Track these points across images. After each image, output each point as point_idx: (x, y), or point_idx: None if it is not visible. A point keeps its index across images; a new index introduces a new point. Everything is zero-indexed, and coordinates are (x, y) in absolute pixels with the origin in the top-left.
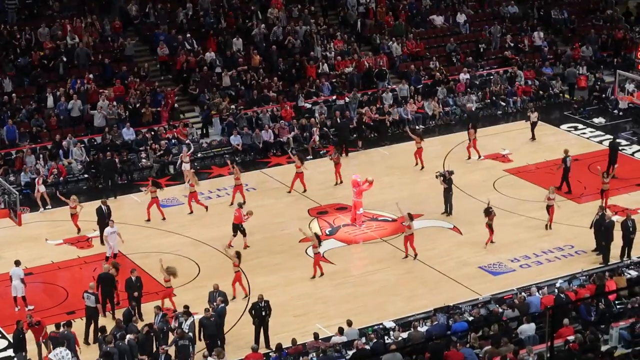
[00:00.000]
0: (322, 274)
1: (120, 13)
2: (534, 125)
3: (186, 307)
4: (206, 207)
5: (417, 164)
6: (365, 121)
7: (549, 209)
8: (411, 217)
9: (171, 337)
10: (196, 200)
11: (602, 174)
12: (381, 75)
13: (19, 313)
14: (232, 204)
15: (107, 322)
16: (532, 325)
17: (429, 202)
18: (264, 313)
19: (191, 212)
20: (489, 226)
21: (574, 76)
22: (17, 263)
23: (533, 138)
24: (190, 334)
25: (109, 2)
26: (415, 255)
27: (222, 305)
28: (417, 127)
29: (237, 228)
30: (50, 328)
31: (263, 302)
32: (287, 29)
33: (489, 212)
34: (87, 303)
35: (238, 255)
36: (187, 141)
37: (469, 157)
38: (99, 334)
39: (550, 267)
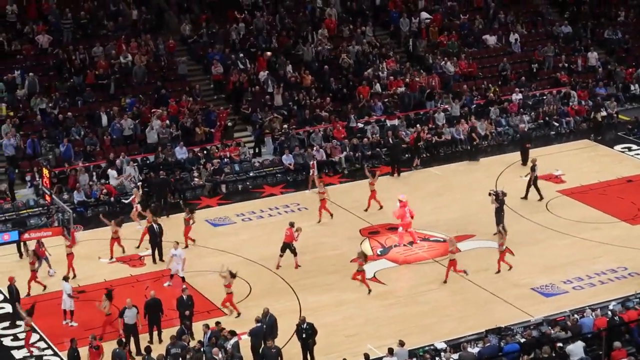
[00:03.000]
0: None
1: (173, 32)
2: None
3: (232, 331)
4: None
5: (367, 208)
6: (422, 139)
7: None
8: (452, 242)
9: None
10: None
11: None
12: (431, 97)
13: (73, 331)
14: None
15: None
16: (579, 344)
17: (480, 222)
18: (304, 335)
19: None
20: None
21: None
22: (66, 279)
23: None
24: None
25: (162, 22)
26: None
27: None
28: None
29: (287, 247)
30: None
31: (305, 324)
32: (340, 49)
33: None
34: (126, 321)
35: (232, 275)
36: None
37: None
38: (144, 353)
39: (603, 289)
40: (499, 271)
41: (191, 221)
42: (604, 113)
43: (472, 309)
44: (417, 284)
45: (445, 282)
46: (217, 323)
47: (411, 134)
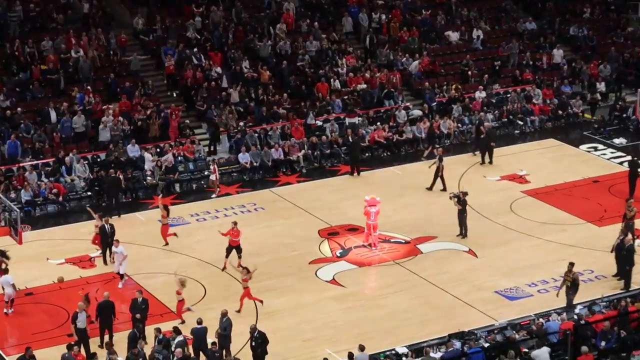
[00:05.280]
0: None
1: (126, 27)
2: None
3: (176, 327)
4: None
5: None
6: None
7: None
8: (247, 270)
9: None
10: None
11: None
12: (389, 95)
13: (29, 338)
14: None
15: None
16: (545, 349)
17: (443, 223)
18: (253, 344)
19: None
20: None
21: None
22: (6, 271)
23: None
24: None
25: (114, 16)
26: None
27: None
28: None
29: (233, 248)
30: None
31: (256, 333)
32: (297, 44)
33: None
34: (78, 325)
35: (182, 284)
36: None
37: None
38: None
39: None
40: (239, 311)
41: (168, 220)
42: (488, 123)
43: (435, 312)
44: (377, 287)
45: (239, 311)
46: (175, 328)
47: (371, 132)
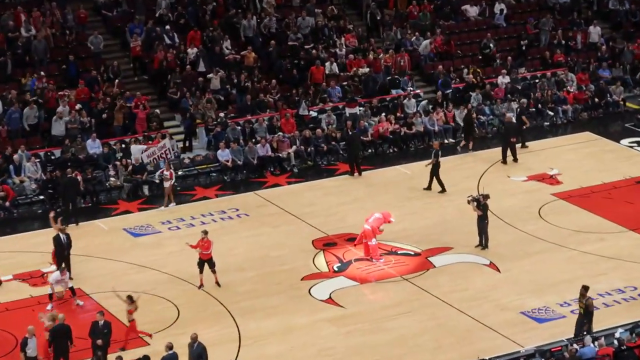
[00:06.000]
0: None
1: (85, 0)
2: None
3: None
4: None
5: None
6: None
7: None
8: (131, 298)
9: None
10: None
11: None
12: (394, 83)
13: None
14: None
15: None
16: None
17: (459, 232)
18: None
19: None
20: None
21: None
22: None
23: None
24: None
25: None
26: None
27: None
28: None
29: (205, 262)
30: None
31: (196, 345)
32: (287, 21)
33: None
34: (29, 353)
35: (131, 299)
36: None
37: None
38: None
39: (608, 312)
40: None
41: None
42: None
43: (449, 337)
44: (382, 307)
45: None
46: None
47: (375, 124)
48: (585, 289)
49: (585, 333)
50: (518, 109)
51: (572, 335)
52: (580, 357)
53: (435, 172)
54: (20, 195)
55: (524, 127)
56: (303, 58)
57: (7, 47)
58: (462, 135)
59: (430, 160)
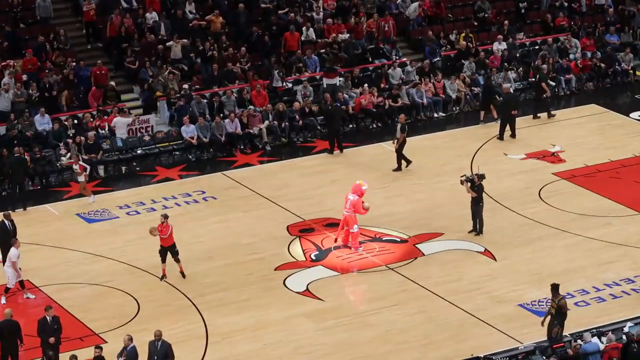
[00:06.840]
0: None
1: None
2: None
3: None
4: None
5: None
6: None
7: None
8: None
9: None
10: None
11: None
12: (379, 49)
13: None
14: None
15: None
16: None
17: (451, 216)
18: (155, 357)
19: None
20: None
21: None
22: None
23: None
24: None
25: None
26: None
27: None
28: None
29: (168, 250)
30: None
31: (159, 343)
32: None
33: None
34: None
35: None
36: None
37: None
38: None
39: (616, 304)
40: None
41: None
42: (553, 83)
43: (440, 333)
44: (365, 300)
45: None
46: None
47: (357, 96)
48: (554, 286)
49: (554, 337)
50: (538, 76)
51: (574, 330)
52: (585, 353)
53: (400, 148)
54: None
55: (544, 95)
56: (276, 23)
57: None
58: (479, 105)
59: (398, 137)
